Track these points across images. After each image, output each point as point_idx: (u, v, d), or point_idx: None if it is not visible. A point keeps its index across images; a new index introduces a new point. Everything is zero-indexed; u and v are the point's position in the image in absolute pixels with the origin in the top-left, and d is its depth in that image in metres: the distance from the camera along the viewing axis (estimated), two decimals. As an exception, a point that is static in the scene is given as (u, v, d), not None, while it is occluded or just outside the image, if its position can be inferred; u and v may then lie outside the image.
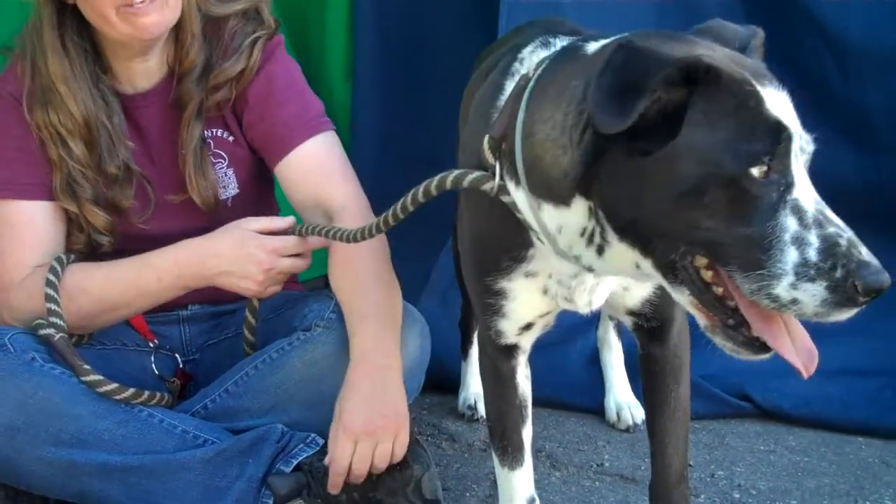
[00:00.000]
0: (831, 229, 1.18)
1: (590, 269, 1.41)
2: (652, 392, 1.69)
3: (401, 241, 3.13)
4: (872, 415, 2.43)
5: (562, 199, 1.36)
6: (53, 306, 1.91)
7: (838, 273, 1.15)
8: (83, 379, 1.87)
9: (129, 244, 2.03)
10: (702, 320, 1.31)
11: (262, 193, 2.24)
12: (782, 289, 1.18)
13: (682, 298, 1.30)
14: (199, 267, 1.95)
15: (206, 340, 2.23)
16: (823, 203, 1.21)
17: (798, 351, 1.27)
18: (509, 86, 1.52)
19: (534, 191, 1.39)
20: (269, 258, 1.92)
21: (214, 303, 2.21)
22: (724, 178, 1.19)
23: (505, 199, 1.46)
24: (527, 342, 1.68)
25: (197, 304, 2.22)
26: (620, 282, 1.58)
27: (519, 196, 1.43)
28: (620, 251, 1.32)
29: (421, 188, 1.57)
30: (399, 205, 1.61)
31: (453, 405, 2.61)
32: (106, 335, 2.10)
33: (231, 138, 2.12)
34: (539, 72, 1.42)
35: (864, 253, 1.17)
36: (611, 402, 2.53)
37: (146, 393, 1.93)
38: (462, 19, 3.03)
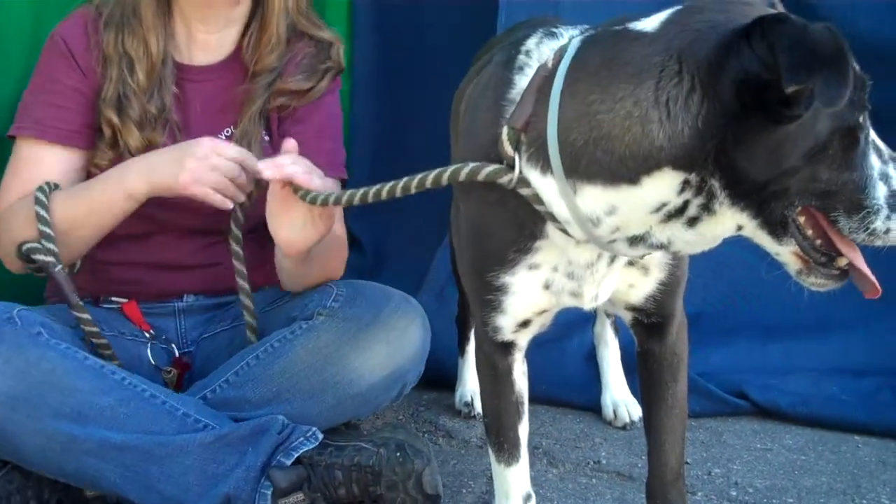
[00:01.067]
0: None
1: (660, 247, 1.41)
2: (649, 389, 1.69)
3: (397, 236, 3.16)
4: (870, 414, 2.44)
5: (629, 179, 1.34)
6: (46, 229, 1.94)
7: None
8: (74, 313, 1.94)
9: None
10: (796, 266, 1.39)
11: None
12: (880, 221, 1.31)
13: (785, 250, 1.37)
14: (137, 162, 2.00)
15: (201, 333, 2.22)
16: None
17: (872, 275, 1.40)
18: (519, 79, 1.51)
19: (579, 174, 1.38)
20: (204, 151, 1.92)
21: (210, 294, 2.21)
22: (845, 129, 1.30)
23: (524, 191, 1.45)
24: (523, 340, 1.68)
25: (192, 295, 2.21)
26: (626, 277, 1.58)
27: (546, 184, 1.42)
28: (724, 218, 1.34)
29: (431, 175, 1.56)
30: (401, 184, 1.60)
31: (450, 402, 2.61)
32: (104, 322, 2.09)
33: (268, 139, 2.18)
34: (572, 56, 1.41)
35: None
36: (607, 400, 2.53)
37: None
38: (460, 20, 3.02)
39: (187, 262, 2.18)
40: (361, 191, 1.67)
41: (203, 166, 1.91)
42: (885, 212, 1.30)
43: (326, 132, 2.24)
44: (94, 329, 1.97)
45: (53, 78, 2.11)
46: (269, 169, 1.81)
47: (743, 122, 1.27)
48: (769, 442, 2.39)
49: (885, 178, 1.31)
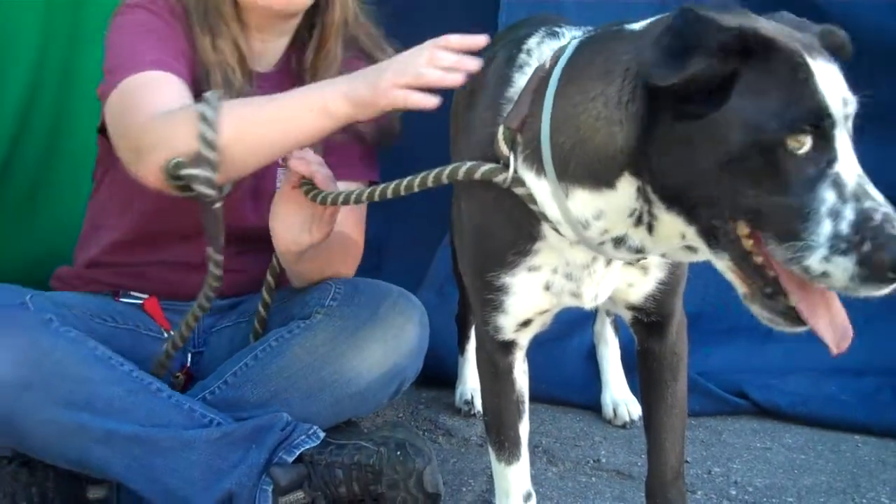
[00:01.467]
0: (868, 203, 1.18)
1: (638, 251, 1.42)
2: (649, 388, 1.69)
3: (398, 234, 3.16)
4: (869, 413, 2.44)
5: (606, 182, 1.36)
6: (210, 154, 1.66)
7: (866, 247, 1.16)
8: (213, 255, 1.80)
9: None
10: (740, 288, 1.33)
11: None
12: (815, 260, 1.19)
13: (722, 264, 1.32)
14: (338, 85, 1.75)
15: (211, 326, 2.22)
16: (865, 177, 1.22)
17: (832, 326, 1.28)
18: (519, 77, 1.52)
19: (568, 178, 1.40)
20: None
21: (231, 297, 2.21)
22: (767, 146, 1.21)
23: (519, 191, 1.46)
24: (524, 339, 1.68)
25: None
26: (625, 276, 1.58)
27: (540, 186, 1.43)
28: (668, 223, 1.34)
29: (432, 174, 1.59)
30: (404, 183, 1.63)
31: (450, 400, 2.61)
32: (120, 315, 2.10)
33: None
34: (568, 57, 1.42)
35: None
36: (607, 399, 2.53)
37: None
38: (461, 18, 3.00)
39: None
40: (368, 190, 1.71)
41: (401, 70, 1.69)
42: (822, 251, 1.19)
43: (370, 131, 2.18)
44: (219, 272, 1.83)
45: (164, 35, 1.97)
46: (297, 161, 1.82)
47: (659, 122, 1.29)
48: (769, 441, 2.39)
49: (834, 215, 1.19)
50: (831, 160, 1.21)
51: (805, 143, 1.21)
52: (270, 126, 1.74)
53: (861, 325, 2.69)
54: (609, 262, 1.54)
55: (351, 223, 2.19)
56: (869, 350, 2.63)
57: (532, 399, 1.78)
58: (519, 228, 1.51)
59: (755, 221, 1.25)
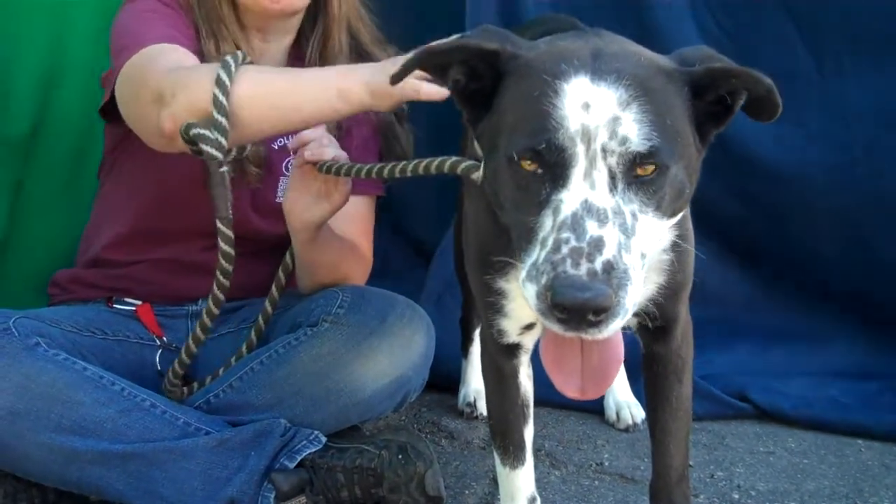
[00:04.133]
0: (564, 234, 1.16)
1: None
2: (654, 391, 1.68)
3: (394, 247, 3.11)
4: (872, 417, 2.43)
5: None
6: (221, 119, 1.66)
7: (543, 280, 1.15)
8: (220, 225, 1.78)
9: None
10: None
11: None
12: (522, 284, 1.21)
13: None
14: (358, 71, 1.75)
15: (211, 332, 2.20)
16: (598, 209, 1.17)
17: (561, 371, 1.29)
18: None
19: None
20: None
21: (233, 298, 2.20)
22: (502, 164, 1.25)
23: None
24: (529, 341, 1.68)
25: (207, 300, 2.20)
26: None
27: None
28: None
29: (423, 163, 1.68)
30: (399, 167, 1.74)
31: (452, 403, 2.60)
32: (109, 326, 2.09)
33: None
34: None
35: (581, 267, 1.13)
36: (610, 402, 2.52)
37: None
38: (431, 14, 2.96)
39: (211, 266, 2.16)
40: (367, 166, 1.81)
41: None
42: (522, 274, 1.21)
43: (371, 147, 2.23)
44: (230, 251, 1.82)
45: (173, 23, 1.98)
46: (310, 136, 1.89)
47: None
48: (772, 445, 2.39)
49: (542, 243, 1.18)
50: (559, 186, 1.20)
51: (534, 166, 1.21)
52: (285, 98, 1.74)
53: (861, 329, 2.71)
54: None
55: (358, 231, 2.20)
56: (871, 353, 2.64)
57: (535, 403, 1.77)
58: (503, 232, 1.50)
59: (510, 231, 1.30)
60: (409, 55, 1.38)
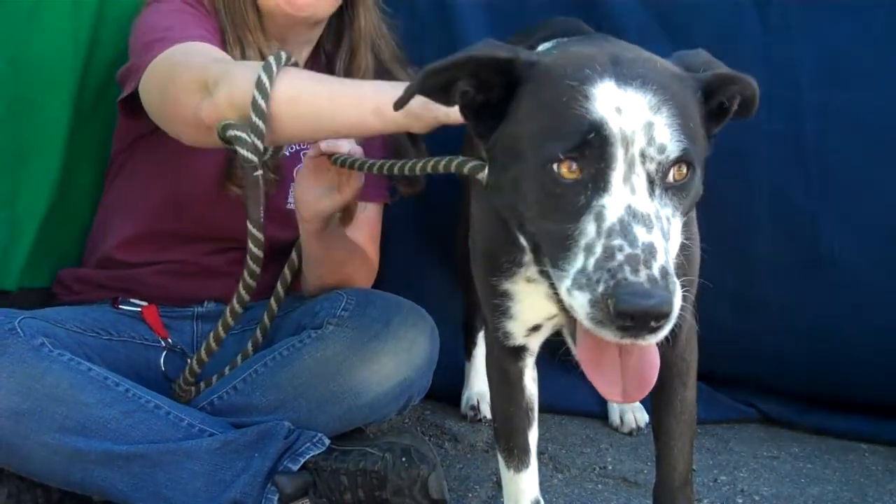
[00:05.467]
0: (617, 241, 1.13)
1: None
2: (659, 395, 1.68)
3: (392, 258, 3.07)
4: (877, 423, 2.41)
5: None
6: (259, 122, 1.65)
7: (600, 288, 1.13)
8: (251, 228, 1.78)
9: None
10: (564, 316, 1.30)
11: None
12: (563, 291, 1.19)
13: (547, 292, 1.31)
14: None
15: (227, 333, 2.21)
16: (642, 214, 1.16)
17: (604, 379, 1.26)
18: None
19: None
20: None
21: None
22: (531, 173, 1.22)
23: None
24: (535, 344, 1.68)
25: (213, 302, 2.21)
26: None
27: None
28: None
29: (430, 162, 1.66)
30: (408, 165, 1.72)
31: (456, 406, 2.60)
32: (114, 327, 2.09)
33: None
34: None
35: (640, 273, 1.11)
36: (614, 406, 2.52)
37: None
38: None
39: (218, 270, 2.18)
40: (378, 162, 1.80)
41: None
42: (567, 283, 1.17)
43: (378, 154, 2.17)
44: (259, 253, 1.82)
45: (201, 24, 1.99)
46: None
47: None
48: (776, 450, 2.38)
49: (588, 250, 1.16)
50: (598, 191, 1.18)
51: (574, 171, 1.19)
52: (322, 107, 1.71)
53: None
54: None
55: (364, 236, 2.22)
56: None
57: (539, 408, 1.77)
58: (507, 234, 1.49)
59: (537, 248, 1.28)
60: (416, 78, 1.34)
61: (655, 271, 1.11)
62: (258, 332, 2.10)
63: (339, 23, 2.18)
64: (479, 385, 2.54)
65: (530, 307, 1.59)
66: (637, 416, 2.46)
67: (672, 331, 1.58)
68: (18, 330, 1.84)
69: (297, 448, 1.90)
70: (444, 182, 2.35)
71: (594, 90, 1.19)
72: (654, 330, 1.13)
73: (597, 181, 1.18)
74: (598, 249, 1.14)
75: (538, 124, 1.24)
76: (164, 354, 2.15)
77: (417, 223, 2.67)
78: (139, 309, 2.18)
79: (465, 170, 1.55)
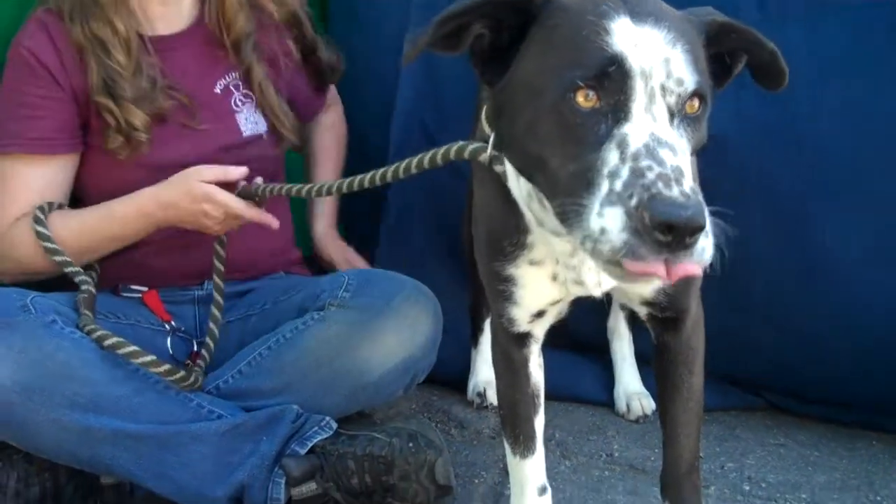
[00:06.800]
0: (645, 162, 1.12)
1: (559, 234, 1.40)
2: (665, 382, 1.68)
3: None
4: (884, 414, 2.40)
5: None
6: (60, 258, 2.01)
7: (633, 201, 1.10)
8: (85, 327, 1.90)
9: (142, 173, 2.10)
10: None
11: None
12: (592, 219, 1.14)
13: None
14: (161, 217, 2.05)
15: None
16: (667, 141, 1.15)
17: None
18: None
19: None
20: (220, 213, 2.03)
21: (229, 279, 2.22)
22: (548, 107, 1.21)
23: (497, 168, 1.47)
24: (539, 330, 1.68)
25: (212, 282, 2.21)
26: None
27: (508, 165, 1.44)
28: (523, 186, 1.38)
29: (427, 157, 1.63)
30: (402, 166, 1.68)
31: (463, 392, 2.60)
32: (121, 311, 2.11)
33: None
34: None
35: (673, 189, 1.09)
36: (620, 393, 2.52)
37: (167, 366, 1.93)
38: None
39: (207, 238, 2.18)
40: (370, 174, 1.77)
41: (225, 226, 2.08)
42: (595, 207, 1.14)
43: (299, 78, 2.43)
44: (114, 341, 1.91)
45: (22, 91, 2.08)
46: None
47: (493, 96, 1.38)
48: (782, 437, 2.38)
49: (613, 176, 1.14)
50: (619, 120, 1.17)
51: (592, 100, 1.18)
52: (111, 244, 2.09)
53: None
54: None
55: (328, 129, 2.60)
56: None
57: (546, 397, 1.76)
58: (511, 219, 1.50)
59: (555, 190, 1.23)
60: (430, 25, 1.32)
61: (687, 188, 1.11)
62: (214, 308, 2.13)
63: None
64: (485, 372, 2.54)
65: (534, 292, 1.59)
66: (644, 403, 2.46)
67: (677, 318, 1.62)
68: (31, 307, 1.85)
69: (304, 432, 1.91)
70: (450, 171, 2.36)
71: (612, 25, 1.19)
72: (688, 246, 1.11)
73: (616, 112, 1.18)
74: (625, 172, 1.12)
75: (556, 57, 1.23)
76: (169, 338, 2.16)
77: (425, 212, 2.66)
78: (140, 295, 2.19)
79: (466, 154, 1.54)
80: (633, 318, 2.50)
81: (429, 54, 2.09)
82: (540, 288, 1.57)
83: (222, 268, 2.14)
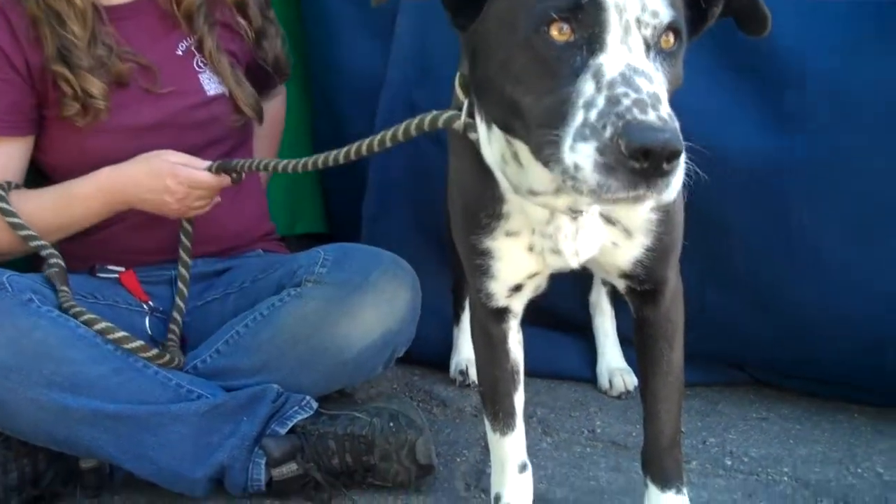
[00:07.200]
0: (621, 89, 1.10)
1: (542, 194, 1.39)
2: (645, 356, 1.67)
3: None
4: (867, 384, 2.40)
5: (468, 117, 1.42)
6: (26, 232, 2.01)
7: (608, 132, 1.08)
8: (63, 303, 1.90)
9: (100, 140, 2.09)
10: None
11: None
12: (565, 153, 1.13)
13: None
14: (120, 194, 2.07)
15: (193, 304, 2.21)
16: (643, 70, 1.13)
17: None
18: None
19: (481, 116, 1.42)
20: (183, 189, 2.03)
21: (206, 255, 2.22)
22: (521, 42, 1.19)
23: (471, 136, 1.46)
24: (518, 305, 1.67)
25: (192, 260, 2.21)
26: (608, 235, 1.54)
27: (482, 130, 1.43)
28: (521, 148, 1.34)
29: (401, 129, 1.61)
30: (377, 139, 1.66)
31: (445, 372, 2.59)
32: (99, 291, 2.09)
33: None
34: None
35: (649, 113, 1.08)
36: (603, 369, 2.52)
37: (155, 351, 1.93)
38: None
39: None
40: (345, 149, 1.75)
41: (185, 206, 2.09)
42: (568, 141, 1.12)
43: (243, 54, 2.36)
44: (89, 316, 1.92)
45: None
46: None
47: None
48: (764, 411, 2.38)
49: (588, 106, 1.12)
50: (594, 51, 1.15)
51: (566, 33, 1.16)
52: (51, 236, 2.07)
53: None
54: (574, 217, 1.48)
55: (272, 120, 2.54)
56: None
57: (527, 372, 1.75)
58: (485, 187, 1.49)
59: (530, 128, 1.21)
60: None
61: (664, 113, 1.09)
62: (180, 283, 2.15)
63: None
64: (467, 350, 2.53)
65: (510, 264, 1.58)
66: (626, 379, 2.45)
67: (656, 291, 1.61)
68: (7, 285, 1.83)
69: (284, 412, 1.90)
70: (434, 148, 2.33)
71: None
72: (665, 173, 1.09)
73: (591, 43, 1.16)
74: (601, 101, 1.11)
75: None
76: (147, 318, 2.15)
77: (408, 190, 2.64)
78: (117, 275, 2.18)
79: (440, 123, 1.52)
80: (614, 295, 2.50)
81: (420, 34, 2.09)
82: (517, 260, 1.56)
83: (188, 243, 2.16)
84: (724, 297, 2.33)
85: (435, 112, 1.54)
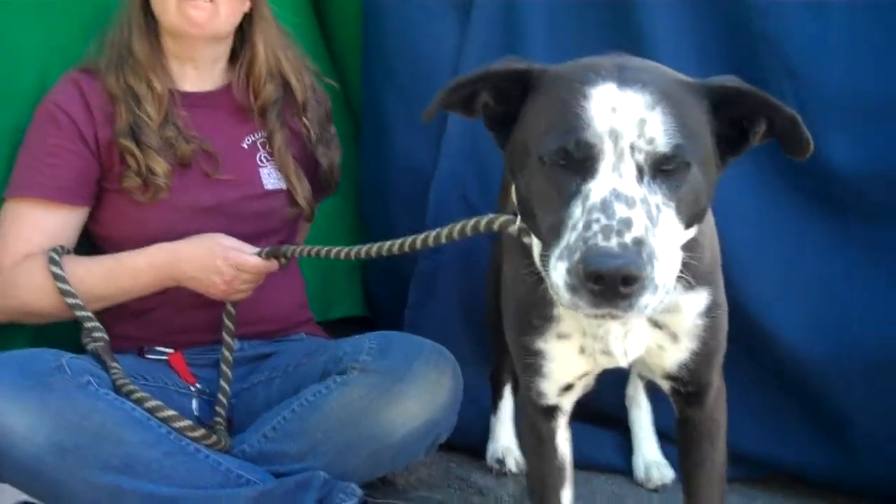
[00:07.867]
0: (595, 215, 1.21)
1: None
2: (688, 456, 1.70)
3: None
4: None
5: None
6: (75, 300, 2.07)
7: (576, 255, 1.20)
8: (115, 379, 1.97)
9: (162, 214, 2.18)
10: None
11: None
12: (550, 270, 1.26)
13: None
14: (171, 269, 2.13)
15: (239, 386, 2.26)
16: (626, 196, 1.23)
17: None
18: None
19: None
20: (231, 272, 2.09)
21: (252, 337, 2.29)
22: (534, 168, 1.32)
23: (525, 240, 1.53)
24: (567, 403, 1.71)
25: (237, 341, 2.27)
26: (654, 337, 1.58)
27: (534, 237, 1.49)
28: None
29: (457, 227, 1.72)
30: (433, 235, 1.79)
31: (481, 458, 2.60)
32: (148, 373, 2.15)
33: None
34: None
35: (611, 240, 1.19)
36: (639, 461, 2.51)
37: (202, 431, 1.98)
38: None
39: None
40: (399, 241, 1.88)
41: (231, 288, 2.15)
42: (553, 260, 1.26)
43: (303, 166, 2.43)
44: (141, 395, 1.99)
45: (46, 142, 2.17)
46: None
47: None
48: None
49: (573, 228, 1.24)
50: (587, 178, 1.26)
51: (565, 161, 1.28)
52: (96, 304, 2.13)
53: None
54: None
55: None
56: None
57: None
58: (536, 290, 1.54)
59: (541, 240, 1.35)
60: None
61: (627, 239, 1.19)
62: (223, 365, 2.20)
63: (242, 36, 2.33)
64: (504, 438, 2.55)
65: (563, 365, 1.62)
66: (663, 472, 2.45)
67: (699, 393, 1.64)
68: (66, 368, 1.89)
69: (331, 499, 1.93)
70: (479, 237, 2.39)
71: (593, 90, 1.28)
72: (625, 296, 1.19)
73: (585, 170, 1.27)
74: (581, 225, 1.22)
75: (542, 122, 1.33)
76: (194, 400, 2.20)
77: (451, 279, 2.69)
78: (166, 357, 2.23)
79: (496, 226, 1.61)
80: (651, 387, 2.52)
81: (473, 131, 2.20)
82: (569, 361, 1.61)
83: (231, 325, 2.21)
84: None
85: (491, 215, 1.64)
